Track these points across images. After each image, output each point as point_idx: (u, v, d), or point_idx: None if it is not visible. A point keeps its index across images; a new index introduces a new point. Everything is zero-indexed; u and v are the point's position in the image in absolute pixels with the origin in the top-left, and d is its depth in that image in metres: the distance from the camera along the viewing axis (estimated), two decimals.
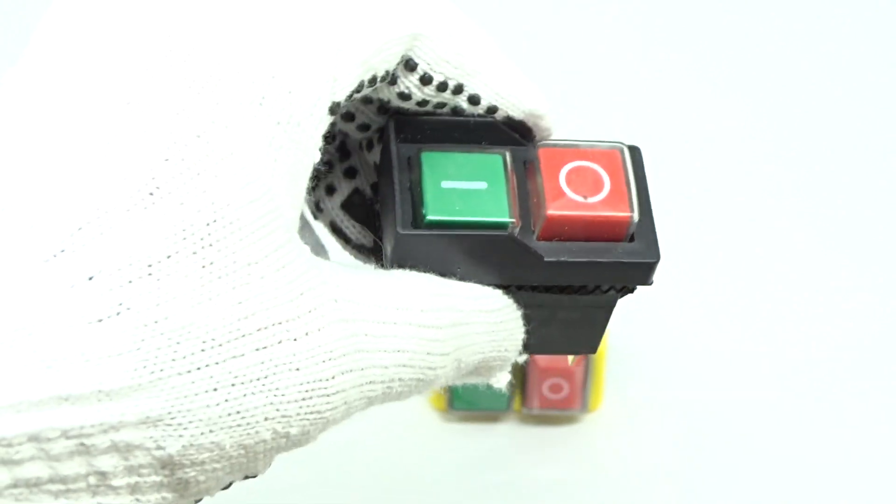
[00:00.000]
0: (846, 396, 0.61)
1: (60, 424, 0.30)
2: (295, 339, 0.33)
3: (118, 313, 0.31)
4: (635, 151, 0.39)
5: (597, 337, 0.40)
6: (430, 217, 0.37)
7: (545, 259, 0.37)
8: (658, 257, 0.38)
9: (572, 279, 0.38)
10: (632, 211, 0.38)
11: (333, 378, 0.34)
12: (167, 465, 0.32)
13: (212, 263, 0.32)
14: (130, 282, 0.31)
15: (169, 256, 0.31)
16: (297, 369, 0.33)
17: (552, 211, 0.37)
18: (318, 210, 0.42)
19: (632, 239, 0.38)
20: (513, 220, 0.37)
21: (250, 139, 0.33)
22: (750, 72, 0.77)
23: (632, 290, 0.39)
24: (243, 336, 0.32)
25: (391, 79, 0.37)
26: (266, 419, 0.33)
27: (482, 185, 0.38)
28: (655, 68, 0.77)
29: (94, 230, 0.31)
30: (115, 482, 0.31)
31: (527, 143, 0.39)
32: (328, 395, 0.34)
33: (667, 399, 0.61)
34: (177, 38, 0.33)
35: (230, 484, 0.34)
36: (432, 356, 0.36)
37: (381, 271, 0.37)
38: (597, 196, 0.38)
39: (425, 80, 0.38)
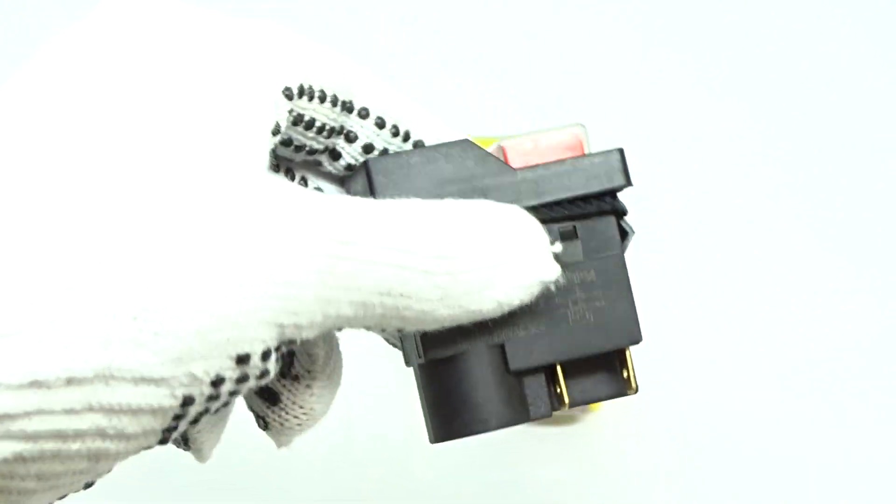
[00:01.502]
0: (845, 396, 0.61)
1: None
2: (253, 216, 0.33)
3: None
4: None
5: (631, 315, 0.40)
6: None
7: (515, 169, 0.38)
8: (622, 148, 0.39)
9: (551, 191, 0.38)
10: (581, 126, 0.39)
11: (295, 245, 0.33)
12: (140, 311, 0.31)
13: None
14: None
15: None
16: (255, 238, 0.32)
17: (506, 143, 0.39)
18: None
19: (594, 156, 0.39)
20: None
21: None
22: (749, 73, 0.77)
23: (622, 214, 0.39)
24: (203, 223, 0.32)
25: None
26: (237, 283, 0.32)
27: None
28: (654, 69, 0.77)
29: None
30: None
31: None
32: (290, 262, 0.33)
33: (667, 399, 0.61)
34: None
35: (219, 382, 0.32)
36: (414, 255, 0.34)
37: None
38: (547, 134, 0.40)
39: (379, 124, 0.38)
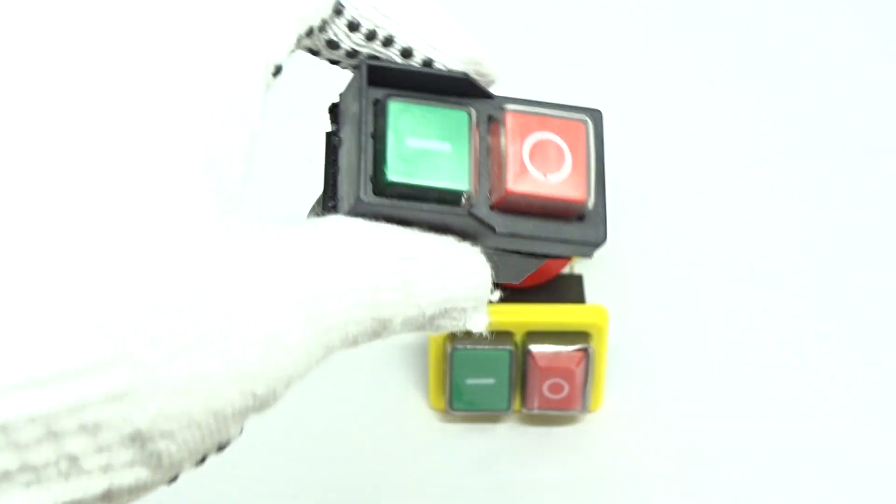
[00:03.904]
0: (845, 396, 0.61)
1: (26, 411, 0.30)
2: (249, 296, 0.33)
3: (76, 292, 0.31)
4: (598, 122, 0.40)
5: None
6: (390, 178, 0.37)
7: (497, 231, 0.38)
8: (604, 239, 0.39)
9: (521, 247, 0.39)
10: (588, 197, 0.39)
11: (291, 331, 0.34)
12: (137, 438, 0.32)
13: (163, 235, 0.32)
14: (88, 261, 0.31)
15: (123, 233, 0.32)
16: (255, 325, 0.33)
17: (512, 187, 0.38)
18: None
19: (582, 217, 0.39)
20: (470, 189, 0.38)
21: (194, 114, 0.34)
22: (747, 75, 0.77)
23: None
24: (200, 300, 0.32)
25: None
26: (229, 381, 0.33)
27: (446, 146, 0.38)
28: (653, 69, 0.77)
29: (50, 219, 0.32)
30: (86, 464, 0.31)
31: (495, 95, 0.40)
32: (288, 347, 0.34)
33: (667, 399, 0.61)
34: (101, 40, 0.34)
35: (204, 459, 0.34)
36: (382, 293, 0.36)
37: (313, 221, 0.37)
38: (557, 174, 0.39)
39: (353, 26, 0.38)
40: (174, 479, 0.34)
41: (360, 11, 0.38)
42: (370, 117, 0.38)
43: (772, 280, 0.67)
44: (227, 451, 0.39)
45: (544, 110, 0.39)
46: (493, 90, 0.40)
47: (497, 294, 0.39)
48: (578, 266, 0.61)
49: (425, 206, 0.38)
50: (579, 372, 0.59)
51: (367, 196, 0.37)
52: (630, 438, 0.60)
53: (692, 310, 0.65)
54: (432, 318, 0.38)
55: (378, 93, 0.38)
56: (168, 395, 0.32)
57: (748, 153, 0.73)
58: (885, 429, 0.60)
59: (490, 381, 0.58)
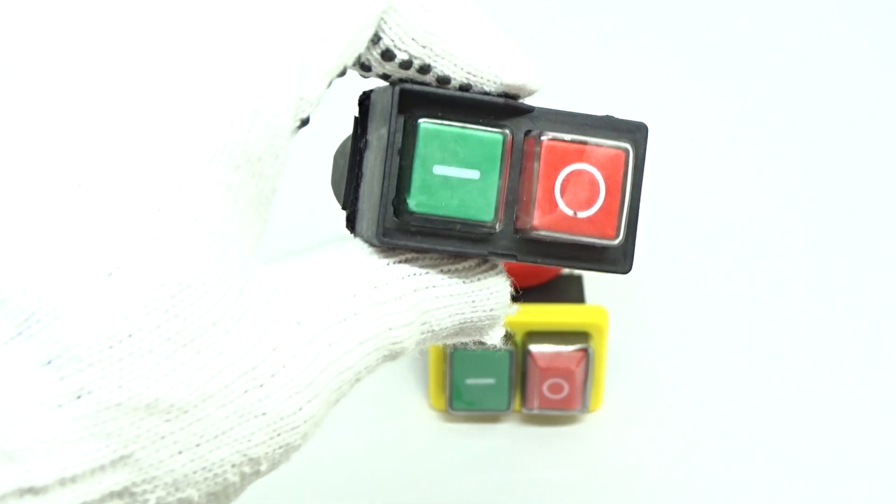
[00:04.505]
0: (846, 396, 0.61)
1: None
2: (261, 385, 0.32)
3: (78, 397, 0.30)
4: (640, 143, 0.39)
5: None
6: (412, 207, 0.36)
7: (518, 258, 0.38)
8: (628, 271, 0.38)
9: (541, 264, 0.39)
10: (616, 236, 0.38)
11: (301, 409, 0.33)
12: None
13: (177, 334, 0.31)
14: (91, 365, 0.30)
15: (130, 335, 0.30)
16: (264, 414, 0.32)
17: (539, 223, 0.37)
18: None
19: (609, 248, 0.38)
20: (494, 220, 0.37)
21: (211, 195, 0.32)
22: (750, 77, 0.77)
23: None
24: (209, 397, 0.31)
25: None
26: (233, 466, 0.32)
27: (475, 174, 0.37)
28: (652, 75, 0.77)
29: (49, 313, 0.30)
30: None
31: (535, 108, 0.38)
32: (296, 427, 0.33)
33: (667, 399, 0.61)
34: (124, 96, 0.31)
35: None
36: (395, 330, 0.35)
37: (332, 251, 0.36)
38: (588, 210, 0.37)
39: (387, 55, 0.36)
40: None
41: (396, 43, 0.35)
42: (399, 136, 0.36)
43: (771, 281, 0.67)
44: None
45: (584, 136, 0.38)
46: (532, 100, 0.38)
47: (515, 308, 0.38)
48: None
49: (444, 242, 0.37)
50: (579, 372, 0.59)
51: (388, 224, 0.36)
52: (630, 438, 0.60)
53: (692, 310, 0.65)
54: (446, 339, 0.37)
55: (411, 114, 0.37)
56: (169, 487, 0.31)
57: (747, 154, 0.73)
58: (884, 429, 0.60)
59: (490, 381, 0.58)
